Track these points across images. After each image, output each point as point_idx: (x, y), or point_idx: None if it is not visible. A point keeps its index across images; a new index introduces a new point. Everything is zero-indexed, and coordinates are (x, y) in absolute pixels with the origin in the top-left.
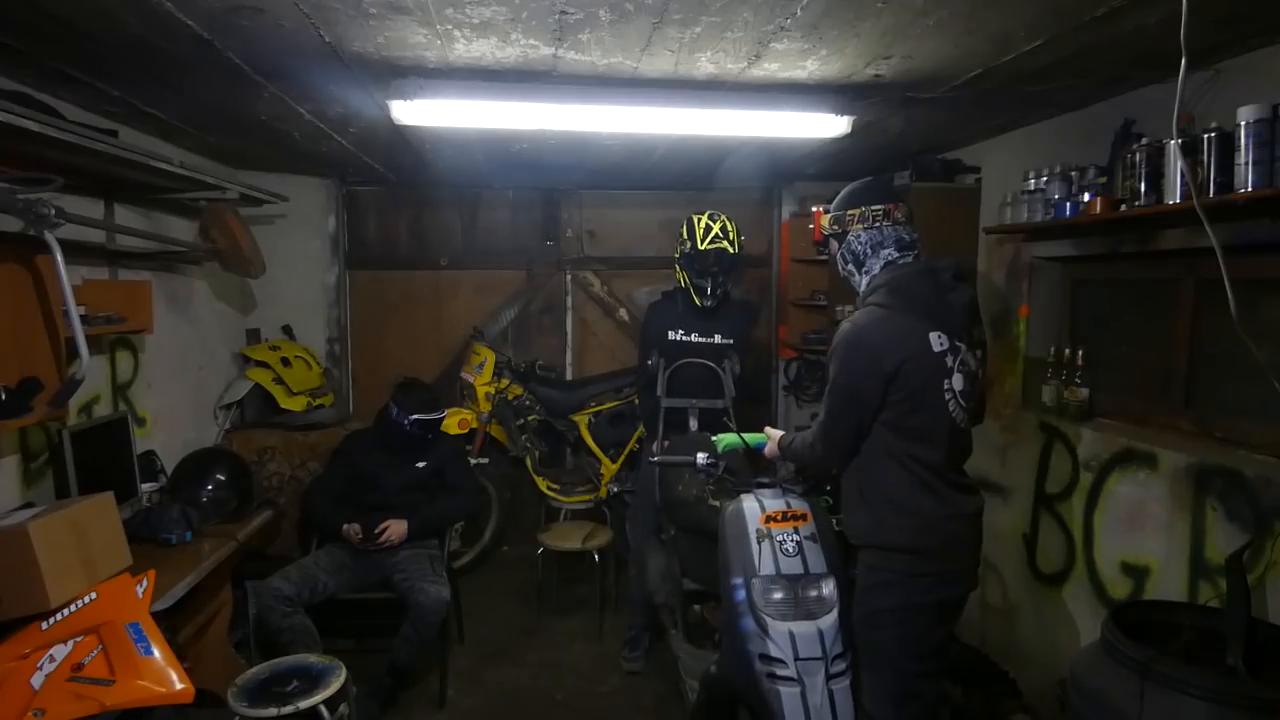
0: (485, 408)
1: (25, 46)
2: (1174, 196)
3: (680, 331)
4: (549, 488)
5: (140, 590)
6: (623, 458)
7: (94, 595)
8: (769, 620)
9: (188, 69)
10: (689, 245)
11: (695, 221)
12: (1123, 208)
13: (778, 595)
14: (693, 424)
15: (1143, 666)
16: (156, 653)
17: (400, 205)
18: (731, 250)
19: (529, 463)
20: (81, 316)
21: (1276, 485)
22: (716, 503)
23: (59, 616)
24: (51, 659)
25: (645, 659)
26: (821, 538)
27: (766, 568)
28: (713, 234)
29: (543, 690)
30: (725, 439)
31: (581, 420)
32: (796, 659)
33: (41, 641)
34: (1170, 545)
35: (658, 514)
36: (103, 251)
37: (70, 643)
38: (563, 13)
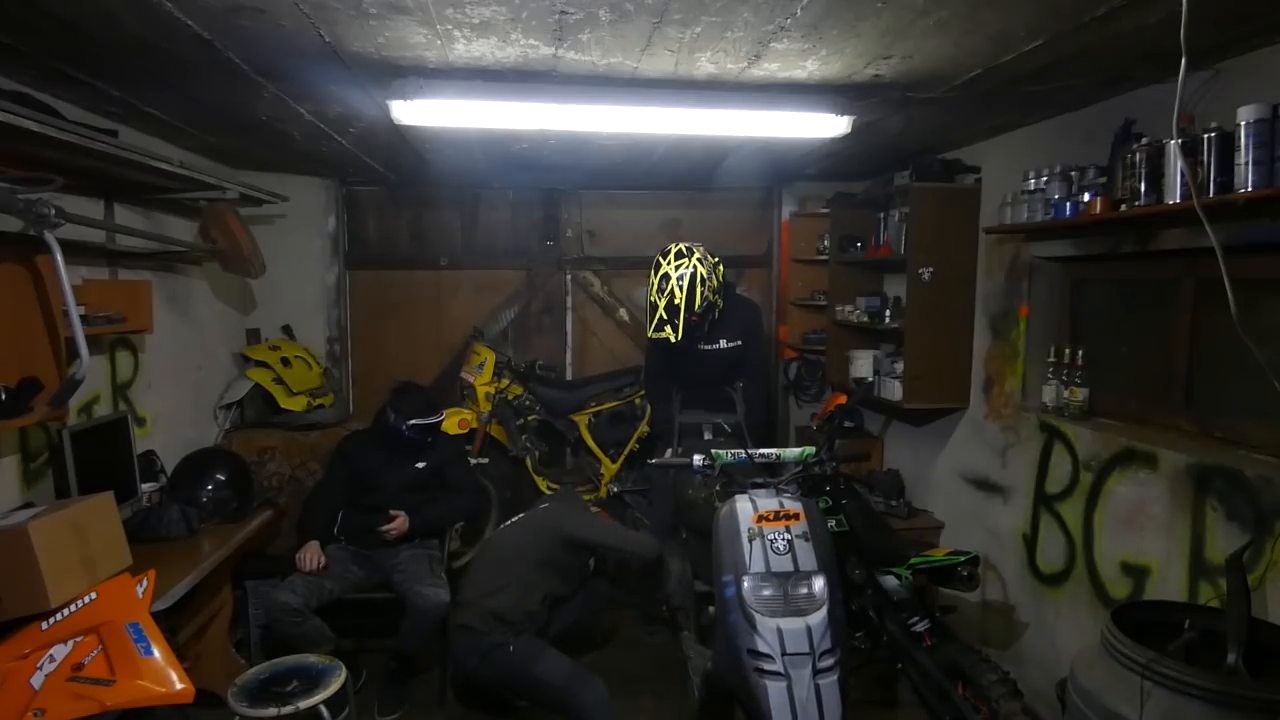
0: (485, 408)
1: (25, 46)
2: (1174, 196)
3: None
4: (549, 488)
5: (140, 590)
6: (623, 458)
7: (94, 595)
8: (757, 616)
9: (188, 69)
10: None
11: (649, 287)
12: (1123, 208)
13: (767, 592)
14: (707, 435)
15: (1143, 666)
16: (156, 653)
17: (400, 205)
18: (675, 339)
19: (529, 463)
20: (81, 316)
21: (1276, 485)
22: (721, 505)
23: (59, 616)
24: (51, 659)
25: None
26: (814, 537)
27: (757, 565)
28: (658, 316)
29: None
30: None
31: (581, 420)
32: (783, 654)
33: (41, 641)
34: (1170, 545)
35: (674, 517)
36: (103, 251)
37: (70, 643)
38: (563, 13)
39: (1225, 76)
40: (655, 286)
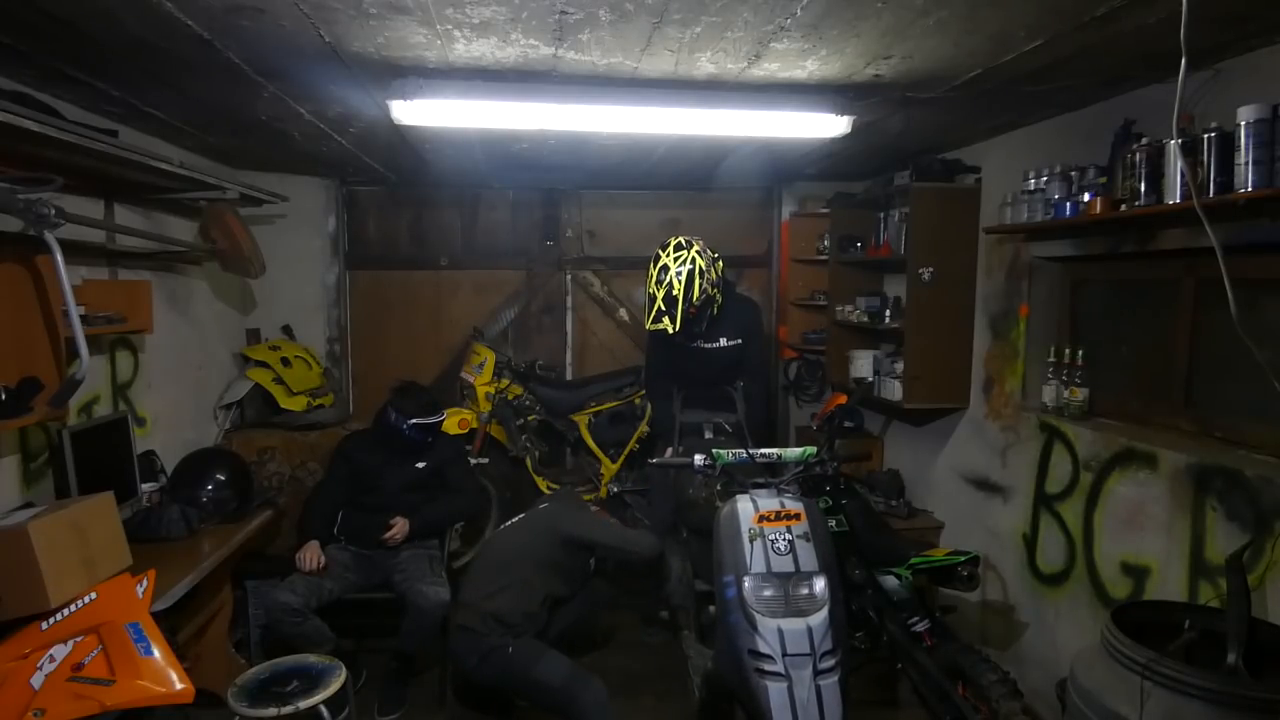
0: (485, 408)
1: (25, 46)
2: (1174, 196)
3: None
4: (549, 488)
5: (140, 590)
6: (623, 458)
7: (94, 595)
8: (758, 616)
9: (188, 69)
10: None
11: (648, 278)
12: (1123, 208)
13: (768, 592)
14: (707, 434)
15: (1143, 666)
16: (156, 653)
17: (400, 205)
18: (673, 329)
19: (529, 463)
20: (81, 316)
21: (1276, 485)
22: (722, 504)
23: (59, 616)
24: (51, 659)
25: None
26: (815, 537)
27: (758, 565)
28: (656, 307)
29: None
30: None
31: (581, 420)
32: (784, 655)
33: (41, 641)
34: (1170, 545)
35: (674, 517)
36: (103, 251)
37: (70, 643)
38: (563, 13)
39: (1225, 76)
40: (654, 278)
